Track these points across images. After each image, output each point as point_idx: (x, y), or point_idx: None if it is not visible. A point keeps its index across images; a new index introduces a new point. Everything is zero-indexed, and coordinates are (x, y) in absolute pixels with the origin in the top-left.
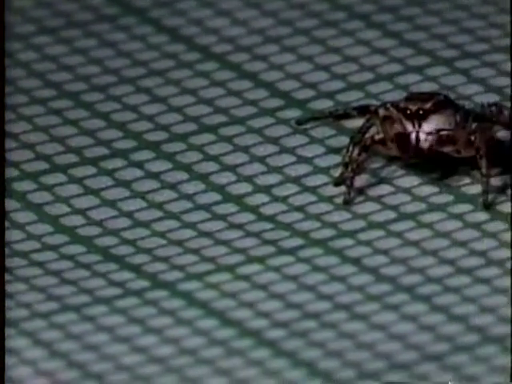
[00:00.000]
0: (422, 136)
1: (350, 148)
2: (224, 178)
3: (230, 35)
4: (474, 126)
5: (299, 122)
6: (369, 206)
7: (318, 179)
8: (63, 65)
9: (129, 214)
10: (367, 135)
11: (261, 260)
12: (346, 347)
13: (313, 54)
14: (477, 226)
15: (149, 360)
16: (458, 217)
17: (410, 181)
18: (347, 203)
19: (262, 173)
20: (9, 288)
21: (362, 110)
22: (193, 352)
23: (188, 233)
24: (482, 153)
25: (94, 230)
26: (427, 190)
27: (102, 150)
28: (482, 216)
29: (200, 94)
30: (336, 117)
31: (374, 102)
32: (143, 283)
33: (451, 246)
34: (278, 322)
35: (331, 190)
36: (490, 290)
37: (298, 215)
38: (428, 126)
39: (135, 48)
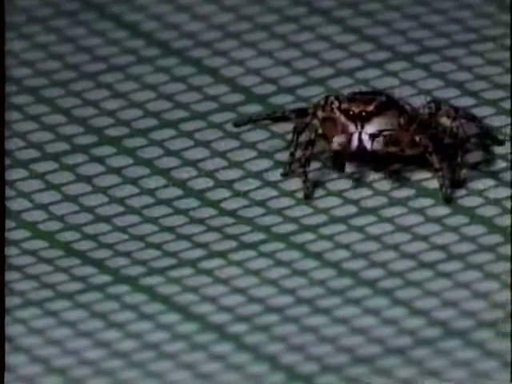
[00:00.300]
0: (365, 137)
1: (294, 137)
2: (185, 172)
3: (189, 30)
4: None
5: (236, 125)
6: (330, 201)
7: (279, 174)
8: (23, 60)
9: (90, 209)
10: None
11: (222, 254)
12: (308, 341)
13: (273, 49)
14: (438, 220)
15: (111, 354)
16: (419, 211)
17: (371, 175)
18: (308, 197)
19: (223, 168)
20: None
21: (300, 113)
22: (155, 346)
23: (149, 228)
24: (431, 149)
25: (55, 225)
26: (388, 184)
27: (63, 146)
28: (442, 210)
29: (160, 89)
30: (273, 119)
31: (321, 97)
32: (105, 278)
33: (412, 240)
34: (241, 316)
35: (292, 185)
36: (451, 284)
37: (259, 210)
38: (371, 127)
39: (95, 43)
